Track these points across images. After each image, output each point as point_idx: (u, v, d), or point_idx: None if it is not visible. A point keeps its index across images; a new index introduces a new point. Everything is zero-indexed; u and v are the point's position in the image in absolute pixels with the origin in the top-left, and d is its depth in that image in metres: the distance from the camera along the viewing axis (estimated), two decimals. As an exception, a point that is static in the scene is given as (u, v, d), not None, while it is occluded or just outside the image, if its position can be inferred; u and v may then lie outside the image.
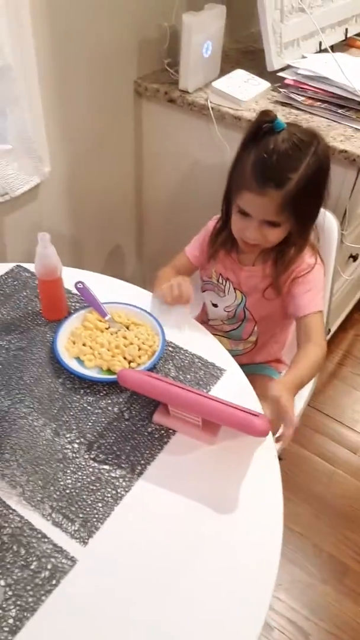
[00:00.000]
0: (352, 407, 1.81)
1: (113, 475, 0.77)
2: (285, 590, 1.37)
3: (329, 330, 1.72)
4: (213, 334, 1.03)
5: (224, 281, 1.12)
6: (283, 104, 1.36)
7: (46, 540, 0.69)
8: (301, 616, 1.33)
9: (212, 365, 0.94)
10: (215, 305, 1.16)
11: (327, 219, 1.16)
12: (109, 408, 0.86)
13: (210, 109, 1.34)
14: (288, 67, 1.43)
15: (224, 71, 1.43)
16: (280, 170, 0.88)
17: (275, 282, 1.03)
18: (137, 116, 1.50)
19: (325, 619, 1.32)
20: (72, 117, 1.30)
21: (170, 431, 0.83)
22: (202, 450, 0.81)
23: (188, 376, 0.92)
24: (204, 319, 1.23)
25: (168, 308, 1.03)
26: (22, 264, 1.12)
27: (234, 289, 1.10)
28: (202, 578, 0.67)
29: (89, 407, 0.86)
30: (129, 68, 1.42)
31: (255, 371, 1.16)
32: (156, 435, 0.83)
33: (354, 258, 1.59)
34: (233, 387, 0.91)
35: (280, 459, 1.59)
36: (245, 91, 1.35)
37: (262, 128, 0.89)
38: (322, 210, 1.04)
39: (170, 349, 0.97)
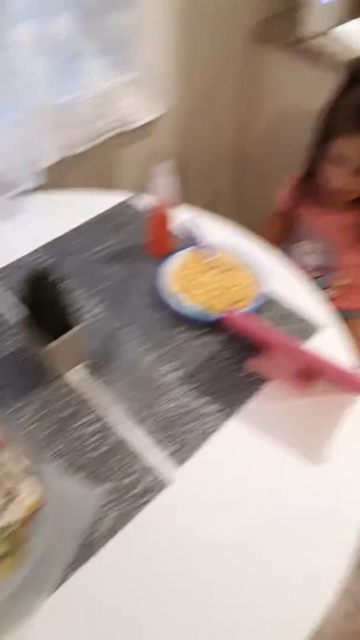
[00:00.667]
0: None
1: (206, 410, 0.80)
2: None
3: None
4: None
5: (311, 229, 1.11)
6: None
7: (142, 458, 0.74)
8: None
9: (309, 320, 0.94)
10: (306, 254, 1.15)
11: None
12: (206, 347, 0.89)
13: (331, 56, 1.27)
14: None
15: (352, 18, 1.34)
16: None
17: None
18: (255, 61, 1.45)
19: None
20: (194, 54, 1.27)
21: (264, 379, 0.85)
22: (294, 402, 0.83)
23: (286, 327, 0.93)
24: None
25: (272, 256, 1.03)
26: (136, 196, 1.13)
27: (322, 235, 1.10)
28: (285, 519, 0.71)
29: (187, 343, 0.89)
30: (250, 9, 1.36)
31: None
32: (250, 380, 0.85)
33: None
34: (329, 345, 0.91)
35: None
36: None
37: (357, 74, 0.89)
38: None
39: (269, 298, 0.97)
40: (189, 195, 1.57)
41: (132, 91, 1.15)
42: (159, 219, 0.97)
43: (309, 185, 1.07)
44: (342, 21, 1.33)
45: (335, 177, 0.98)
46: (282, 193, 1.17)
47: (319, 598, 0.64)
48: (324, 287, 1.18)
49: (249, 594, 0.64)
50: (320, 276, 1.16)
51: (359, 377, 0.77)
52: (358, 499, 0.73)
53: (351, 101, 0.90)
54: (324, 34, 1.31)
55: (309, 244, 1.14)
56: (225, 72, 1.40)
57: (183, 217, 1.03)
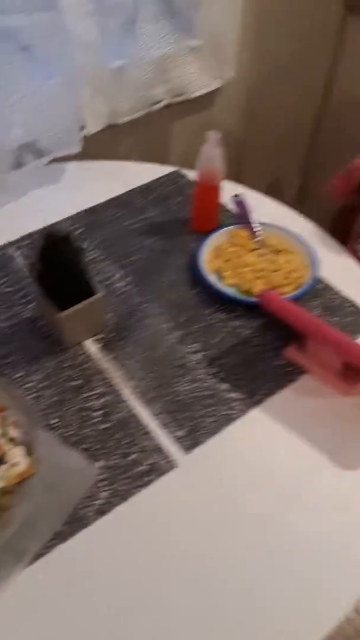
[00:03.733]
0: None
1: (229, 396, 0.72)
2: None
3: None
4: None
5: None
6: None
7: (150, 437, 0.67)
8: None
9: (362, 313, 0.83)
10: None
11: None
12: (239, 330, 0.80)
13: None
14: None
15: None
16: None
17: None
18: (343, 34, 1.34)
19: None
20: (269, 24, 1.19)
21: (301, 370, 0.75)
22: (333, 399, 0.72)
23: (335, 318, 0.82)
24: None
25: (328, 241, 0.93)
26: (182, 170, 1.07)
27: None
28: (300, 516, 0.61)
29: (219, 324, 0.81)
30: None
31: None
32: (284, 370, 0.75)
33: None
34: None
35: None
36: None
37: None
38: None
39: (320, 285, 0.87)
40: (246, 174, 1.49)
41: (193, 59, 1.08)
42: (204, 190, 0.89)
43: None
44: None
45: None
46: (338, 183, 1.04)
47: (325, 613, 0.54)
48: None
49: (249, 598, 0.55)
50: None
51: None
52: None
53: None
54: None
55: None
56: (308, 46, 1.30)
57: (235, 192, 0.95)
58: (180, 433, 0.68)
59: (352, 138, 1.39)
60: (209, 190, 0.89)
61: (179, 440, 0.67)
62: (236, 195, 0.94)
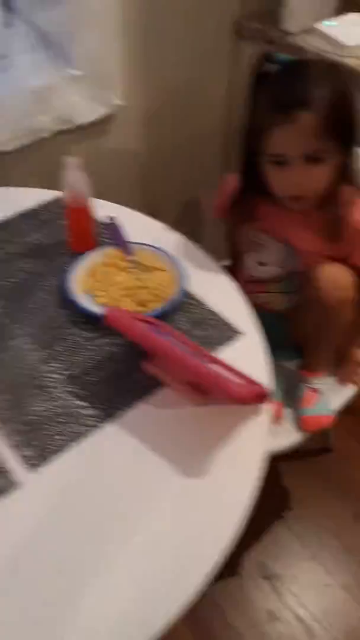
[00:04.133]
0: None
1: (84, 412, 0.74)
2: (300, 585, 1.27)
3: None
4: (262, 292, 1.01)
5: (263, 236, 1.02)
6: None
7: (-4, 459, 0.68)
8: (310, 616, 1.23)
9: (227, 325, 0.86)
10: (262, 264, 1.06)
11: None
12: (104, 347, 0.82)
13: (311, 53, 1.20)
14: None
15: (341, 15, 1.27)
16: (302, 88, 0.80)
17: (330, 232, 0.94)
18: (235, 58, 1.40)
19: (335, 625, 1.21)
20: (158, 50, 1.24)
21: (160, 383, 0.77)
22: (187, 410, 0.74)
23: (198, 332, 0.85)
24: (247, 279, 1.13)
25: (202, 259, 0.96)
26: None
27: (276, 240, 1.01)
28: (142, 533, 0.62)
29: (84, 342, 0.83)
30: (230, 5, 1.32)
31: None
32: (142, 384, 0.77)
33: None
34: (245, 353, 0.83)
35: (328, 450, 1.47)
36: (354, 36, 1.19)
37: (266, 68, 0.84)
38: None
39: (188, 300, 0.90)
40: (155, 201, 1.52)
41: (75, 87, 1.12)
42: (74, 213, 0.92)
43: (246, 201, 0.99)
44: (327, 17, 1.27)
45: (285, 179, 0.88)
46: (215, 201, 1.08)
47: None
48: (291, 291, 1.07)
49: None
50: (279, 291, 1.07)
51: (244, 387, 0.68)
52: (222, 523, 0.64)
53: (267, 93, 0.84)
54: (308, 30, 1.25)
55: (259, 253, 1.04)
56: (201, 70, 1.35)
57: (108, 214, 0.98)
58: (28, 452, 0.69)
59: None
60: (78, 212, 0.92)
61: (25, 459, 0.68)
62: (110, 218, 0.96)
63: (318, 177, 0.87)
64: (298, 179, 0.86)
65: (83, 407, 0.74)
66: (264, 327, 1.12)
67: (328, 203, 0.92)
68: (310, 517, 1.38)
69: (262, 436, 0.72)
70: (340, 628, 1.21)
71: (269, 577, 1.29)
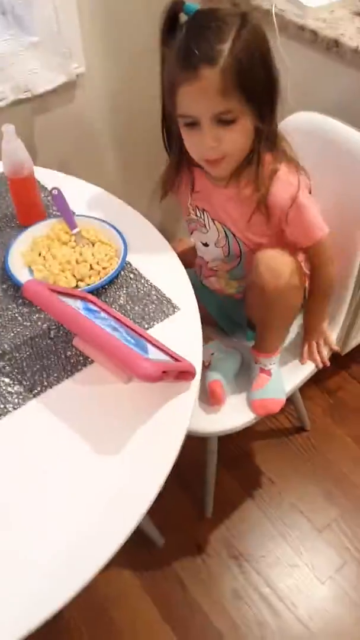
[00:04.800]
0: None
1: (9, 390, 0.72)
2: (267, 564, 1.26)
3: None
4: (212, 276, 0.97)
5: (201, 214, 0.97)
6: (366, 14, 1.12)
7: None
8: (275, 595, 1.23)
9: (166, 301, 0.83)
10: (205, 245, 1.02)
11: None
12: (39, 323, 0.81)
13: (274, 14, 1.14)
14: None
15: None
16: (206, 43, 0.73)
17: (259, 203, 0.86)
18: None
19: (299, 604, 1.20)
20: (117, 14, 1.19)
21: (89, 360, 0.76)
22: (113, 386, 0.72)
23: (136, 307, 0.83)
24: (201, 263, 1.09)
25: (151, 235, 0.93)
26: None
27: (213, 220, 0.96)
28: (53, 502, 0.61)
29: (19, 318, 0.81)
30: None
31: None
32: (72, 361, 0.76)
33: None
34: (180, 328, 0.80)
35: (304, 429, 1.45)
36: (317, -3, 1.12)
37: (175, 21, 0.77)
38: None
39: (130, 275, 0.87)
40: (108, 173, 1.47)
41: (34, 55, 1.08)
42: (16, 184, 0.90)
43: (175, 167, 0.92)
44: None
45: (199, 143, 0.81)
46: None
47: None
48: (239, 278, 1.03)
49: None
50: (232, 269, 1.03)
51: (154, 364, 0.64)
52: (133, 499, 0.62)
53: (174, 47, 0.76)
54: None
55: (202, 232, 1.01)
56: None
57: (64, 185, 0.96)
58: None
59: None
60: (20, 183, 0.89)
61: None
62: (54, 189, 0.94)
63: (231, 139, 0.79)
64: (210, 141, 0.79)
65: (7, 385, 0.73)
66: (226, 308, 1.10)
67: (251, 173, 0.85)
68: (282, 496, 1.36)
69: (184, 414, 0.70)
70: (304, 607, 1.20)
71: (235, 556, 1.28)
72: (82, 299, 0.78)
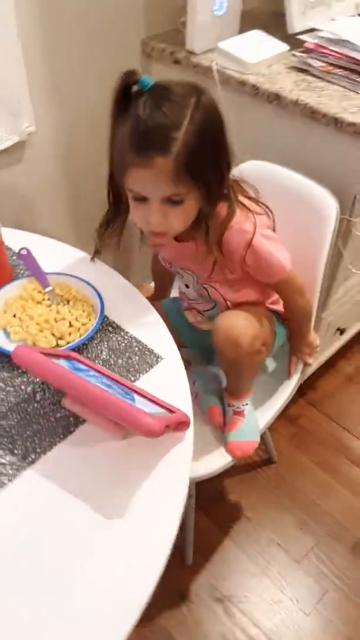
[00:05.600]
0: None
1: (1, 461, 0.70)
2: (251, 604, 1.26)
3: (341, 330, 1.56)
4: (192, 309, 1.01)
5: (168, 264, 1.01)
6: (298, 69, 1.21)
7: None
8: (263, 634, 1.22)
9: (149, 351, 0.84)
10: (187, 286, 1.05)
11: (324, 199, 1.04)
12: (22, 387, 0.78)
13: (215, 72, 1.21)
14: (312, 30, 1.27)
15: (243, 32, 1.28)
16: (160, 132, 0.73)
17: (214, 260, 0.88)
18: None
19: (287, 640, 1.21)
20: (66, 71, 1.21)
21: (80, 420, 0.75)
22: (109, 445, 0.72)
23: (120, 360, 0.83)
24: (183, 297, 1.12)
25: (121, 285, 0.94)
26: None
27: (182, 269, 0.99)
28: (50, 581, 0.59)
29: (1, 384, 0.79)
30: (137, 26, 1.31)
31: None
32: (63, 423, 0.74)
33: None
34: (165, 377, 0.81)
35: (272, 462, 1.47)
36: (256, 54, 1.21)
37: (129, 92, 0.76)
38: (316, 187, 0.98)
39: (109, 329, 0.87)
40: (70, 229, 1.48)
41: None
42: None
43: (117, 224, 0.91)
44: (230, 36, 1.28)
45: (145, 216, 0.81)
46: None
47: None
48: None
49: None
50: (208, 310, 1.06)
51: (156, 419, 0.65)
52: (148, 564, 0.61)
53: (127, 126, 0.75)
54: (213, 50, 1.26)
55: (181, 278, 1.04)
56: (110, 87, 1.33)
57: (30, 244, 0.95)
58: None
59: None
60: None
61: None
62: (23, 249, 0.93)
63: (177, 217, 0.81)
64: (156, 218, 0.80)
65: (1, 456, 0.70)
66: (201, 339, 1.12)
67: (202, 230, 0.85)
68: (257, 530, 1.38)
69: (184, 466, 0.70)
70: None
71: (220, 599, 1.27)
72: (67, 357, 0.78)
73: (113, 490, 0.68)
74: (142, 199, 0.80)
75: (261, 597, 1.27)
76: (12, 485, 0.67)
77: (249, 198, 0.90)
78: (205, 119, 0.76)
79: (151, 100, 0.74)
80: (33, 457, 0.70)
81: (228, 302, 0.99)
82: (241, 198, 0.87)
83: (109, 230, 0.91)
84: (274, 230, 0.94)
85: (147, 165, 0.75)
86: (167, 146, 0.73)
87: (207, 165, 0.78)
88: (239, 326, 0.91)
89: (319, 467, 1.51)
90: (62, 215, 1.44)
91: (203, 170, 0.77)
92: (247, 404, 1.04)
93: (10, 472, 0.69)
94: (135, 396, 0.74)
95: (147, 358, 0.83)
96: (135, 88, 0.76)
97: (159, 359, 0.83)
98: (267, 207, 0.93)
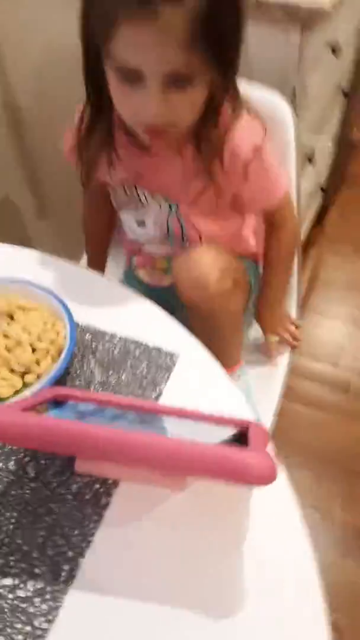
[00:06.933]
0: (330, 340, 1.52)
1: (21, 595, 0.43)
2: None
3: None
4: (147, 266, 0.82)
5: (133, 189, 0.76)
6: None
7: None
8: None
9: (157, 351, 0.60)
10: (142, 224, 0.80)
11: (277, 105, 0.83)
12: (2, 465, 0.51)
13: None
14: None
15: None
16: None
17: (208, 173, 0.68)
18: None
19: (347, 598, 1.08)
20: None
21: (109, 482, 0.49)
22: (167, 504, 0.48)
23: (122, 377, 0.58)
24: (133, 249, 0.87)
25: (81, 275, 0.68)
26: None
27: (152, 194, 0.75)
28: None
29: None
30: None
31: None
32: (87, 496, 0.49)
33: (309, 159, 1.24)
34: (194, 377, 0.58)
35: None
36: None
37: None
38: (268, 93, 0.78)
39: (86, 337, 0.61)
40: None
41: None
42: None
43: (101, 130, 0.68)
44: None
45: (139, 105, 0.58)
46: (67, 137, 0.74)
47: None
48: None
49: None
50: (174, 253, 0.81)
51: (255, 432, 0.43)
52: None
53: None
54: None
55: (137, 210, 0.78)
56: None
57: None
58: None
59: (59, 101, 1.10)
60: None
61: None
62: None
63: (184, 106, 0.59)
64: (156, 107, 0.57)
65: (13, 588, 0.43)
66: (170, 301, 0.88)
67: (203, 135, 0.66)
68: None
69: (290, 505, 0.48)
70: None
71: None
72: (55, 399, 0.51)
73: (208, 569, 0.45)
74: (136, 78, 0.55)
75: None
76: (57, 620, 0.42)
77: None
78: None
79: None
80: (67, 569, 0.44)
81: (202, 239, 0.78)
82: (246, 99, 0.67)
83: (94, 139, 0.68)
84: None
85: (150, 17, 0.51)
86: None
87: (230, 34, 0.55)
88: (203, 263, 0.71)
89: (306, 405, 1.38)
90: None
91: (225, 39, 0.54)
92: (239, 377, 0.83)
93: (43, 607, 0.42)
94: (171, 421, 0.50)
95: (159, 360, 0.59)
96: None
97: (175, 358, 0.59)
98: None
